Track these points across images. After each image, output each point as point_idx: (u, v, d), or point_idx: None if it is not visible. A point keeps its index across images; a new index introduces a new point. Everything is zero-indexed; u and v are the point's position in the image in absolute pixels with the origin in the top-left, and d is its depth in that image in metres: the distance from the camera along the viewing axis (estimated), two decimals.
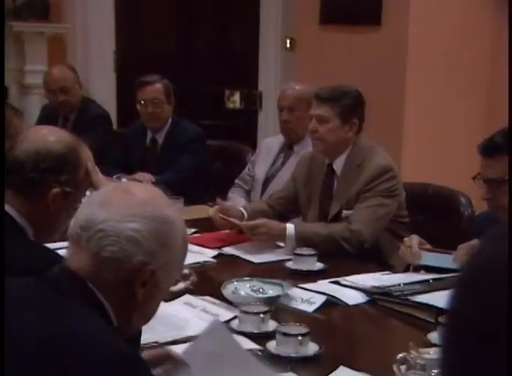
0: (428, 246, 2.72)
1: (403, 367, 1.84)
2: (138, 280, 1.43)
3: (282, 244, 2.97)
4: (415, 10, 4.42)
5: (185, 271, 2.34)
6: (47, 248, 1.99)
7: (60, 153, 1.94)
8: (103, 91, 5.54)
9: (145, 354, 1.71)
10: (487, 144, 2.43)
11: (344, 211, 3.05)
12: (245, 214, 3.13)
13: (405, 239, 2.72)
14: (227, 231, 3.13)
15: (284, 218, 3.19)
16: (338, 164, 3.12)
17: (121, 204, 1.44)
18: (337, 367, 1.92)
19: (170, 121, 4.19)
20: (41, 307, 1.41)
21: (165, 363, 1.76)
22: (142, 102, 4.12)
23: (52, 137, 1.98)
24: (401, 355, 1.85)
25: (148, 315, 1.56)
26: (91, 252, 1.41)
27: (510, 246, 0.74)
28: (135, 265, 1.41)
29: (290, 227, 2.95)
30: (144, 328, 1.82)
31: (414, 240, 2.70)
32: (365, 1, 4.63)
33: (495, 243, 0.80)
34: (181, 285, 2.35)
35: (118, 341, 1.36)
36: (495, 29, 4.64)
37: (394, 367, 1.84)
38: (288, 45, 5.13)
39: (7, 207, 1.93)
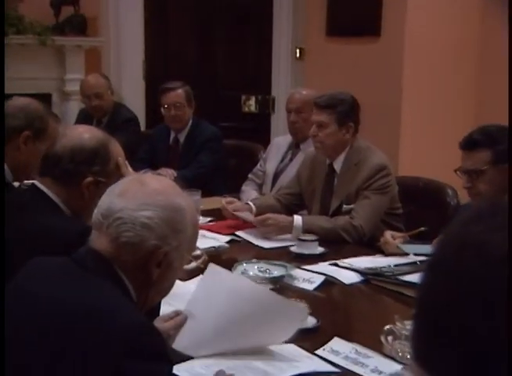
0: (400, 234, 2.77)
1: (390, 338, 1.85)
2: (153, 261, 1.45)
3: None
4: (410, 21, 4.43)
5: (198, 252, 2.37)
6: (83, 222, 2.03)
7: (92, 147, 2.00)
8: (133, 96, 5.56)
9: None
10: (467, 140, 2.48)
11: (345, 206, 3.06)
12: (253, 208, 3.14)
13: (381, 238, 2.74)
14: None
15: (291, 211, 3.19)
16: (338, 164, 3.13)
17: (136, 194, 1.45)
18: (332, 338, 1.93)
19: (190, 122, 4.20)
20: (70, 283, 1.44)
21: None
22: (166, 106, 4.13)
23: (87, 134, 2.04)
24: (387, 326, 1.86)
25: (163, 292, 1.58)
26: (111, 237, 1.43)
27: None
28: (149, 248, 1.43)
29: (297, 219, 2.96)
30: (162, 303, 1.86)
31: (387, 235, 2.74)
32: (366, 15, 4.62)
33: (461, 227, 0.79)
34: (193, 264, 2.38)
35: (138, 314, 1.39)
36: (482, 38, 4.65)
37: (382, 338, 1.85)
38: (298, 55, 5.14)
39: (46, 191, 2.01)
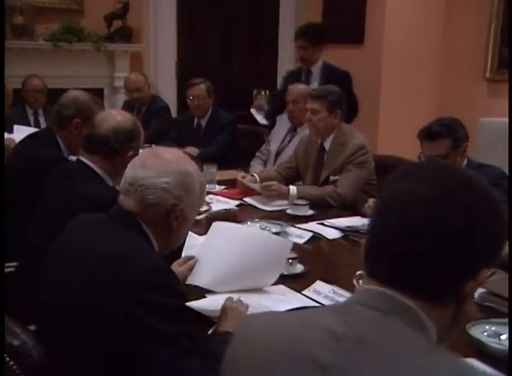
0: None
1: (360, 281, 1.81)
2: (172, 216, 1.45)
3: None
4: (387, 32, 4.49)
5: (205, 207, 2.38)
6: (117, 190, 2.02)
7: (130, 128, 2.01)
8: (167, 90, 5.53)
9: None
10: (428, 132, 2.42)
11: (331, 177, 3.02)
12: (257, 179, 3.10)
13: (365, 204, 2.67)
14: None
15: (289, 181, 3.15)
16: (327, 143, 3.08)
17: (154, 165, 1.45)
18: (316, 281, 1.92)
19: (211, 110, 4.15)
20: (105, 232, 1.43)
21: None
22: (191, 97, 4.08)
23: (119, 117, 2.04)
24: (359, 272, 1.82)
25: (180, 239, 1.57)
26: (137, 200, 1.43)
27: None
28: (169, 206, 1.43)
29: (292, 189, 2.93)
30: (183, 254, 1.85)
31: (370, 201, 2.66)
32: (352, 26, 4.65)
33: (391, 184, 0.87)
34: (202, 215, 2.39)
35: (158, 258, 1.38)
36: (444, 45, 4.62)
37: (354, 281, 1.82)
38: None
39: (91, 164, 2.00)
